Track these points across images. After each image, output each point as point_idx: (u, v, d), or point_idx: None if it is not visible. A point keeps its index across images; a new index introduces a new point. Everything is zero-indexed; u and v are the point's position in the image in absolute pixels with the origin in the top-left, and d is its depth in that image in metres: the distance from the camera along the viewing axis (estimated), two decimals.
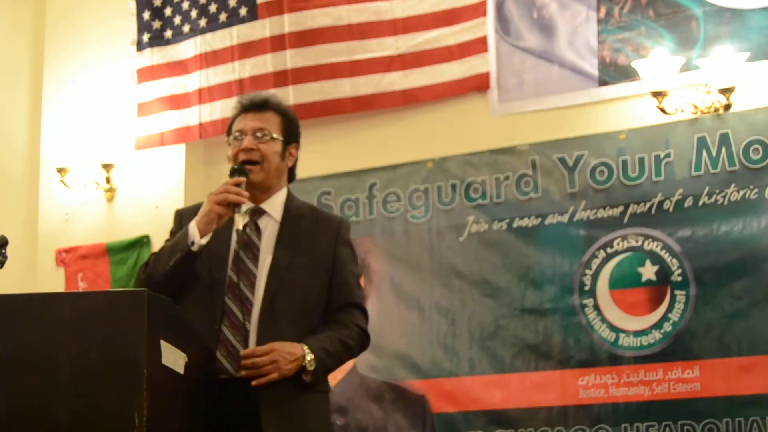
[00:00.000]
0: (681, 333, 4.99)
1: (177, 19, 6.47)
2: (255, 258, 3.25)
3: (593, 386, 5.13)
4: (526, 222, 5.40)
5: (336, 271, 3.31)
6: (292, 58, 6.04)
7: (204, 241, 3.15)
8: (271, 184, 3.33)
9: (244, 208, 3.26)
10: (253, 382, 3.09)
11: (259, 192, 3.32)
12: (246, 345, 3.16)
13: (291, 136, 3.38)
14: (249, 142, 3.29)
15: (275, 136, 3.32)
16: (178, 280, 3.16)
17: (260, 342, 3.14)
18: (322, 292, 3.29)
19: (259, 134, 3.31)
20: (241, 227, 3.17)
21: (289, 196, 3.39)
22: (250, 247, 3.27)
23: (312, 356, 3.15)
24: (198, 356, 3.02)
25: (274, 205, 3.34)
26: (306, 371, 3.15)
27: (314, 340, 3.19)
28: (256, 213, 3.32)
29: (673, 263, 5.05)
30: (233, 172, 3.24)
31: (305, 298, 3.25)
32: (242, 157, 3.29)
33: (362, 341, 3.34)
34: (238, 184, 3.20)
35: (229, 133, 3.38)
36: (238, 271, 3.21)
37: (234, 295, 3.19)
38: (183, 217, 3.31)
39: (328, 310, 3.29)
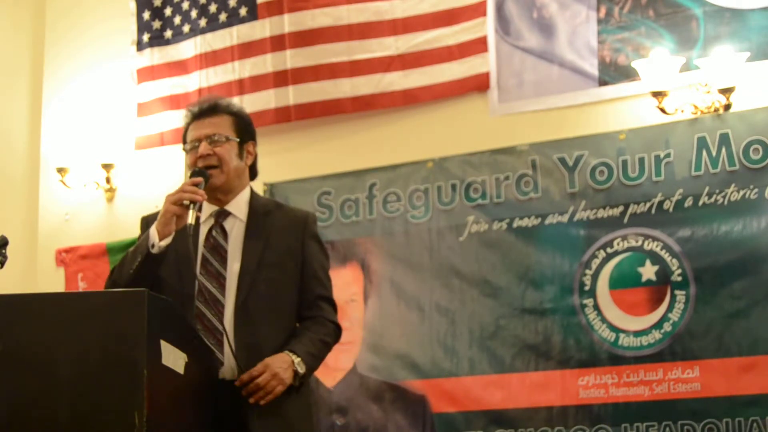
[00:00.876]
0: (681, 333, 4.98)
1: (177, 19, 6.47)
2: (223, 260, 3.27)
3: (593, 386, 5.13)
4: (526, 222, 5.40)
5: (306, 265, 3.34)
6: (292, 58, 6.04)
7: (164, 243, 3.13)
8: (232, 185, 3.35)
9: (207, 210, 3.28)
10: (262, 402, 3.11)
11: (222, 194, 3.34)
12: (220, 347, 3.17)
13: (246, 135, 3.40)
14: (204, 149, 3.31)
15: (230, 137, 3.34)
16: (142, 284, 3.08)
17: (237, 342, 3.14)
18: (294, 287, 3.32)
19: (215, 137, 3.32)
20: (192, 221, 3.13)
21: (253, 195, 3.42)
22: (217, 249, 3.29)
23: (299, 359, 3.20)
24: (198, 356, 3.02)
25: (239, 206, 3.36)
26: (297, 376, 3.19)
27: (297, 345, 3.23)
28: (221, 215, 3.34)
29: (673, 263, 5.05)
30: (192, 174, 3.26)
31: (277, 294, 3.28)
32: (200, 164, 3.30)
33: (337, 336, 3.41)
34: (195, 185, 3.19)
35: (184, 141, 3.39)
36: (207, 275, 3.23)
37: (204, 299, 3.22)
38: (149, 222, 3.29)
39: (300, 304, 3.33)
